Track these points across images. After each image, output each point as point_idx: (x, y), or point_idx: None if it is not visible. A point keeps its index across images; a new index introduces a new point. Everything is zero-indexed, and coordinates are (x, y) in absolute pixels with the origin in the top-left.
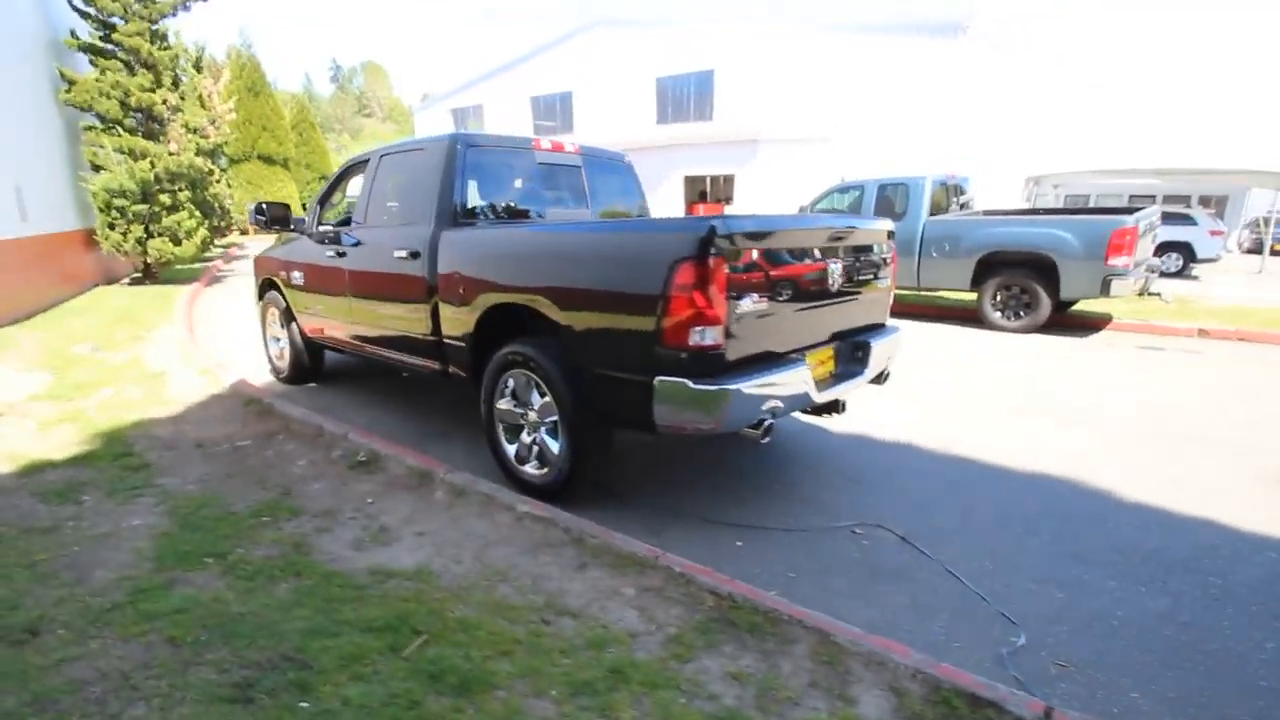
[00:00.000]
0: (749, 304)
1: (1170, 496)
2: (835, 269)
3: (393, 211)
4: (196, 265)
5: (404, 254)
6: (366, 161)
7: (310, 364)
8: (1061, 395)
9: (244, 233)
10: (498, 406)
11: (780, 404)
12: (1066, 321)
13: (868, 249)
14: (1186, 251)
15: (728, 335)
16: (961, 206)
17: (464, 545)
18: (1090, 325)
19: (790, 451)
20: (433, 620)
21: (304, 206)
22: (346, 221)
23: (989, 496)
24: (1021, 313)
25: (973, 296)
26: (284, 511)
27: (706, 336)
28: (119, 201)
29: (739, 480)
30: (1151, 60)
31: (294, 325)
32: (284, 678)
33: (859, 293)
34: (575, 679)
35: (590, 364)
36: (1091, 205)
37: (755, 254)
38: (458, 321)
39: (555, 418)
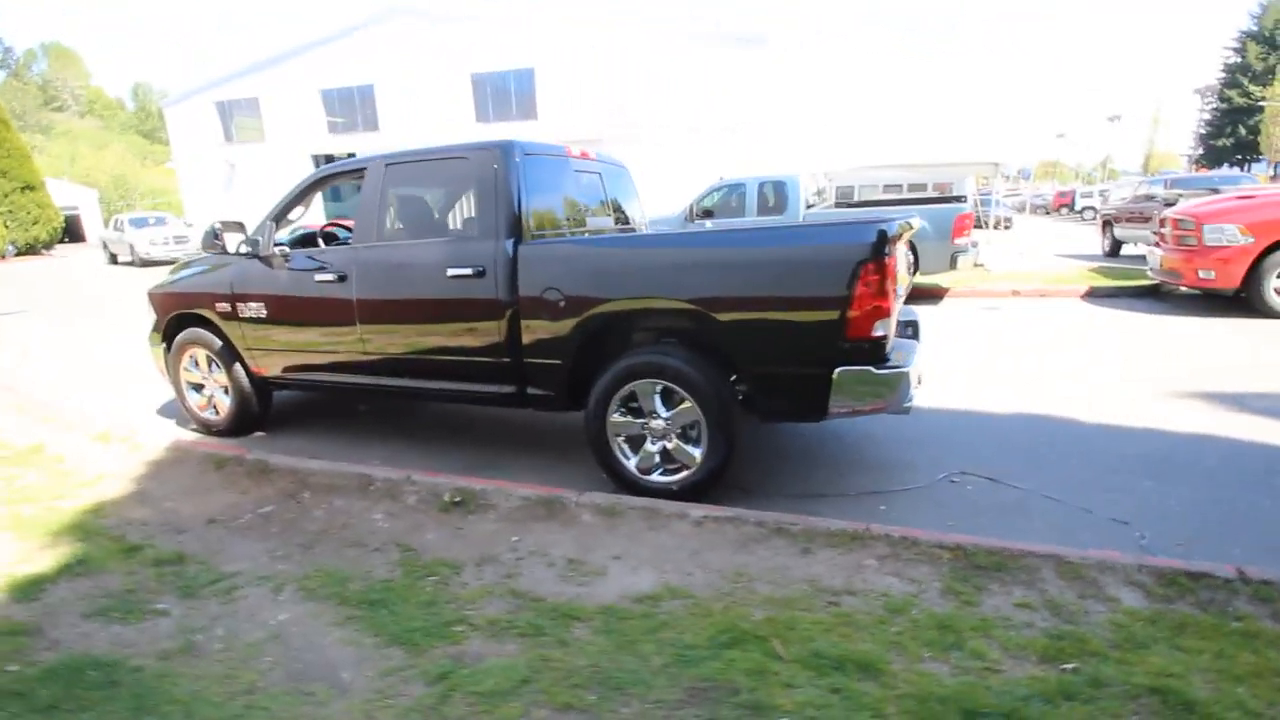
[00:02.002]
0: (900, 295)
1: (1114, 415)
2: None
3: (424, 227)
4: None
5: (465, 272)
6: (357, 171)
7: (259, 410)
8: (971, 352)
9: None
10: (611, 420)
11: (918, 380)
12: (916, 292)
13: None
14: None
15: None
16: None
17: (673, 559)
18: (934, 294)
19: (818, 426)
20: (750, 625)
21: (5, 225)
22: (310, 240)
23: (1008, 437)
24: None
25: None
26: (440, 568)
27: (881, 327)
28: None
29: (819, 458)
30: (903, 75)
31: (238, 367)
32: (731, 709)
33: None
34: (924, 640)
35: (753, 363)
36: (855, 196)
37: (896, 250)
38: (550, 338)
39: (693, 421)
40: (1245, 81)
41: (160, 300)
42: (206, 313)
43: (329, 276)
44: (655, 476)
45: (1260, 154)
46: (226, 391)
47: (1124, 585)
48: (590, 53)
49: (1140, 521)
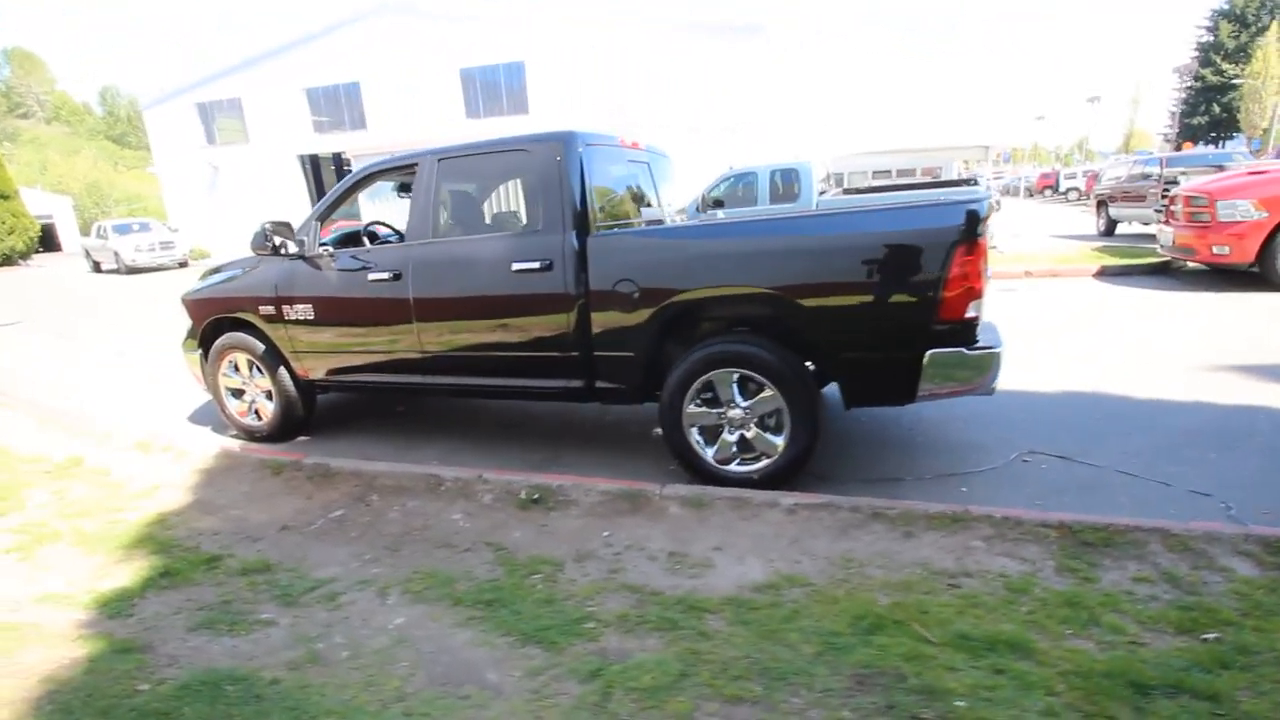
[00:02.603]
0: (989, 276)
1: (1159, 390)
2: None
3: (482, 222)
4: None
5: (532, 266)
6: (407, 168)
7: (304, 414)
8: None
9: None
10: (687, 411)
11: None
12: None
13: None
14: None
15: None
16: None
17: (775, 547)
18: None
19: (872, 409)
20: (883, 610)
21: None
22: (353, 239)
23: (1062, 415)
24: None
25: None
26: (541, 565)
27: (974, 309)
28: None
29: (885, 441)
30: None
31: (282, 371)
32: (904, 694)
33: None
34: (1058, 618)
35: (840, 348)
36: (844, 182)
37: (987, 230)
38: (623, 330)
39: (773, 410)
40: (1218, 60)
41: (196, 305)
42: (249, 316)
43: (382, 275)
44: (734, 466)
45: (1236, 130)
46: (269, 396)
47: (1233, 555)
48: (582, 46)
49: (1220, 493)
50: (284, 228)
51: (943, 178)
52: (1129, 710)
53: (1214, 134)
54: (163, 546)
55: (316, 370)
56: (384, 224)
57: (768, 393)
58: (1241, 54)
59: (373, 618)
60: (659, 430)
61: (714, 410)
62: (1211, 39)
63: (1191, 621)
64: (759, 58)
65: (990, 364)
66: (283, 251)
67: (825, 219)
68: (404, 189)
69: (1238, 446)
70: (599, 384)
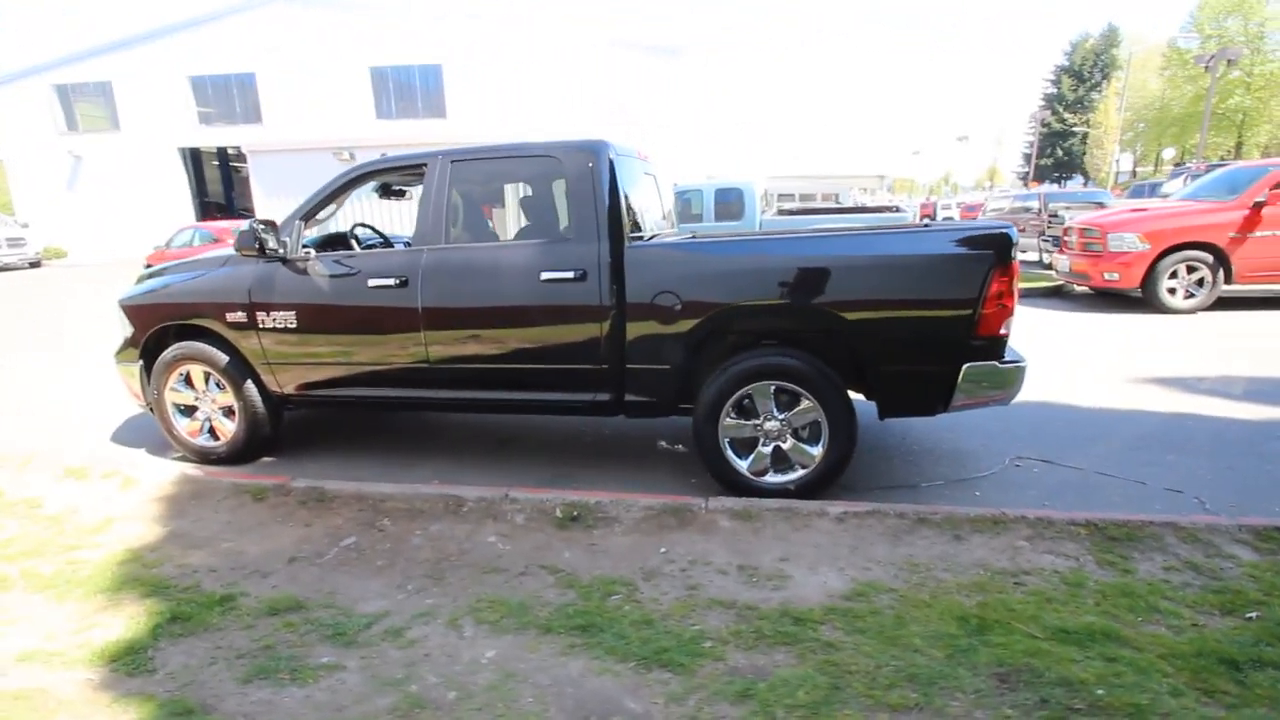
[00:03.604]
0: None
1: (1099, 400)
2: None
3: (501, 229)
4: None
5: (565, 275)
6: (413, 168)
7: (271, 432)
8: None
9: None
10: (723, 424)
11: None
12: None
13: None
14: None
15: None
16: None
17: (839, 555)
18: None
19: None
20: (978, 611)
21: None
22: (338, 241)
23: (1026, 423)
24: None
25: None
26: (612, 585)
27: (1007, 325)
28: None
29: (885, 451)
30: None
31: (249, 385)
32: (1048, 689)
33: None
34: (1123, 606)
35: (881, 361)
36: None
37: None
38: (661, 343)
39: (809, 421)
40: (1061, 110)
41: (140, 311)
42: (211, 324)
43: (385, 281)
44: (769, 477)
45: (1075, 172)
46: (229, 414)
47: (1234, 543)
48: (501, 52)
49: (1189, 490)
50: (270, 227)
51: (842, 204)
52: (1233, 684)
53: (1057, 174)
54: (155, 588)
55: (294, 384)
56: (367, 226)
57: (805, 404)
58: (1079, 105)
59: (458, 653)
60: (663, 442)
61: (749, 422)
62: (1055, 91)
63: (1229, 603)
64: (679, 77)
65: (1017, 377)
66: (265, 252)
67: (875, 238)
68: (385, 190)
69: (1187, 449)
70: (629, 397)
